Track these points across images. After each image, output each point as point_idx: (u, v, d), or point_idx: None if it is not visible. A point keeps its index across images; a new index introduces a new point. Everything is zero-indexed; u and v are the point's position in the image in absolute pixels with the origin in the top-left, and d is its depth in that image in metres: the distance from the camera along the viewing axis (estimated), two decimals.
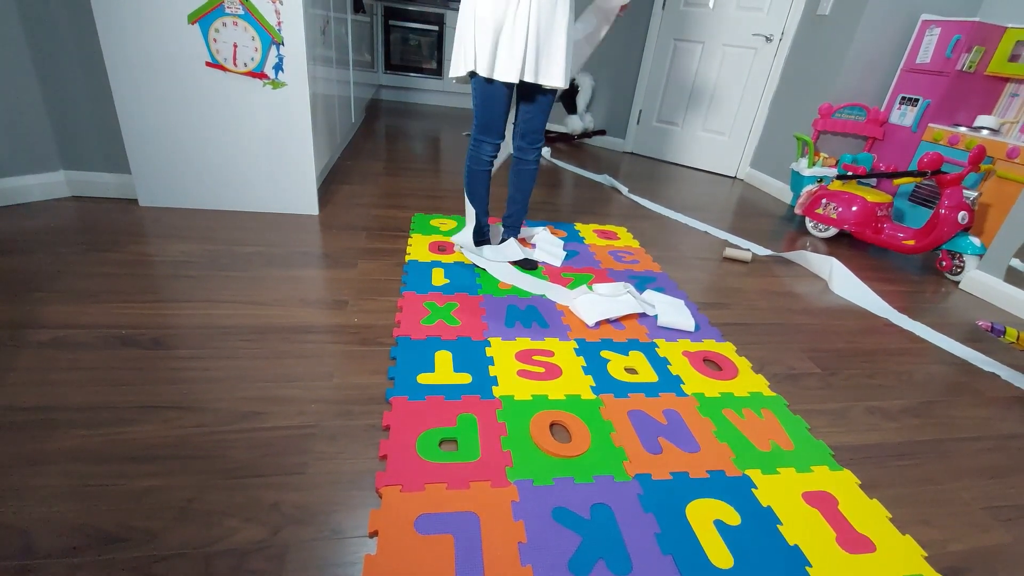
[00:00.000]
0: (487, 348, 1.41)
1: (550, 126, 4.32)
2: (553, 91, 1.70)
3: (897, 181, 2.52)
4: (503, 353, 1.39)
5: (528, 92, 1.71)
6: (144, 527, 0.84)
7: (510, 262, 1.88)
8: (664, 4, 3.65)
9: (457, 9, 4.87)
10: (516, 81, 1.60)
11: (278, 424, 1.08)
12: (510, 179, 1.92)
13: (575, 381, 1.32)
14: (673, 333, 1.60)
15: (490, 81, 1.63)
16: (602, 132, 4.19)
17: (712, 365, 1.48)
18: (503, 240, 1.97)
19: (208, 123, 1.93)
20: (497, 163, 1.83)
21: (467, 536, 0.88)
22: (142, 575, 0.77)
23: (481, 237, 1.94)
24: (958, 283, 2.27)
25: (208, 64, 1.84)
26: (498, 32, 1.55)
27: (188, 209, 2.05)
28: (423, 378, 1.26)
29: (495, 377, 1.29)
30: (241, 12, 1.79)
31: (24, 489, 0.88)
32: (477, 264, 1.85)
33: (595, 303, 1.64)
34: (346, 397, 1.18)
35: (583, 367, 1.38)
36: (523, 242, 2.03)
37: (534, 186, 1.94)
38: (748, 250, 2.31)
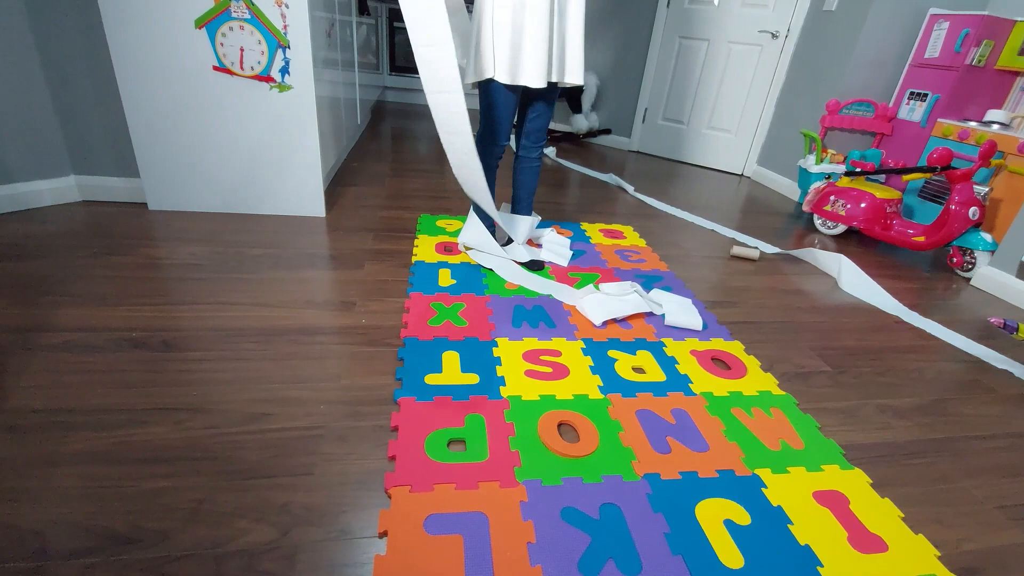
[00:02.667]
0: (494, 348, 1.41)
1: (555, 125, 4.32)
2: (559, 91, 1.69)
3: (906, 177, 2.50)
4: (510, 353, 1.39)
5: (537, 93, 1.70)
6: (156, 528, 0.85)
7: (517, 262, 1.88)
8: (669, 2, 3.63)
9: None
10: (544, 85, 1.58)
11: (287, 425, 1.09)
12: (514, 177, 1.92)
13: (583, 381, 1.32)
14: (681, 332, 1.60)
15: (509, 87, 1.61)
16: (607, 131, 4.18)
17: (720, 364, 1.47)
18: (509, 240, 1.97)
19: (216, 127, 1.94)
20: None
21: (476, 536, 0.88)
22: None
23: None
24: (969, 279, 2.25)
25: (215, 68, 1.85)
26: (519, 36, 1.52)
27: (196, 212, 2.07)
28: (431, 379, 1.26)
29: (502, 377, 1.29)
30: (247, 16, 1.80)
31: (37, 491, 0.89)
32: (483, 264, 1.86)
33: (602, 302, 1.64)
34: (354, 398, 1.18)
35: (590, 367, 1.38)
36: (529, 242, 2.03)
37: (538, 183, 1.94)
38: (756, 248, 2.30)
